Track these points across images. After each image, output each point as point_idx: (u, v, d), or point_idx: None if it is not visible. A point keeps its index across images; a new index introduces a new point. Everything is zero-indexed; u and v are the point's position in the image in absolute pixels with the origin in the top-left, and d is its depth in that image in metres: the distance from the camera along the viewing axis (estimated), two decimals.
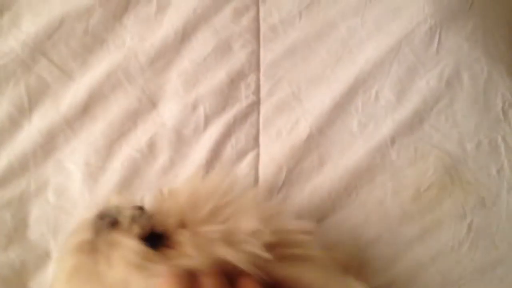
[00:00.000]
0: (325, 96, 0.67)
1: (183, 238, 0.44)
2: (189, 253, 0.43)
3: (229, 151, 0.65)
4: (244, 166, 0.64)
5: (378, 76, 0.66)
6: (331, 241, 0.60)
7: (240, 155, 0.65)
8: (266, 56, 0.69)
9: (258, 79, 0.68)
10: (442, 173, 0.61)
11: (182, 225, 0.45)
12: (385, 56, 0.67)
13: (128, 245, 0.43)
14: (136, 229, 0.44)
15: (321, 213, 0.62)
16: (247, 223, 0.44)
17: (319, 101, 0.67)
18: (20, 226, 0.62)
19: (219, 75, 0.68)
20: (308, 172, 0.63)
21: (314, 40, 0.69)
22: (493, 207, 0.60)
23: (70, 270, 0.45)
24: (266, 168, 0.64)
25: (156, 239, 0.44)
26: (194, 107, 0.66)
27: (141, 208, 0.47)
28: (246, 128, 0.66)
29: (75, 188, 0.64)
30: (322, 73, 0.68)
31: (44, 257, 0.61)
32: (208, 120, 0.66)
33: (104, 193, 0.63)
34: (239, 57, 0.68)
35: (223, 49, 0.69)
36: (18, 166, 0.64)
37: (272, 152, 0.64)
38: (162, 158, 0.65)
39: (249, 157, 0.64)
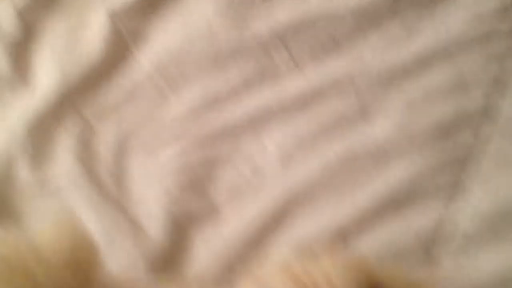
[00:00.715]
0: None
1: None
2: None
3: (427, 185, 0.62)
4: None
5: None
6: None
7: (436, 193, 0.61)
8: (505, 107, 0.64)
9: (486, 129, 0.64)
10: None
11: None
12: None
13: None
14: None
15: None
16: None
17: None
18: (206, 182, 0.68)
19: (447, 111, 0.66)
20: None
21: None
22: None
23: None
24: (464, 218, 0.59)
25: None
26: (408, 132, 0.66)
27: None
28: (454, 172, 0.63)
29: (266, 167, 0.67)
30: None
31: (215, 218, 0.65)
32: (418, 150, 0.65)
33: (291, 186, 0.64)
34: (473, 99, 0.66)
35: (459, 85, 0.67)
36: (226, 133, 0.70)
37: (478, 205, 0.60)
38: (358, 170, 0.64)
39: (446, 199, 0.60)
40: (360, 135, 0.66)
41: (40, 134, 0.70)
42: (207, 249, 0.62)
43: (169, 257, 0.61)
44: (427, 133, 0.65)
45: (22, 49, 0.75)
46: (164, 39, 0.77)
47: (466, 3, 0.71)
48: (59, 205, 0.65)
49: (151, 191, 0.66)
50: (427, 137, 0.65)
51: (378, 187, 0.63)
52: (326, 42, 0.72)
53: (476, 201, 0.60)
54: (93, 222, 0.61)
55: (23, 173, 0.67)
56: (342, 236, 0.59)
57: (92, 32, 0.77)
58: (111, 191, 0.66)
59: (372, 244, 0.59)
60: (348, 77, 0.70)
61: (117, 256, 0.59)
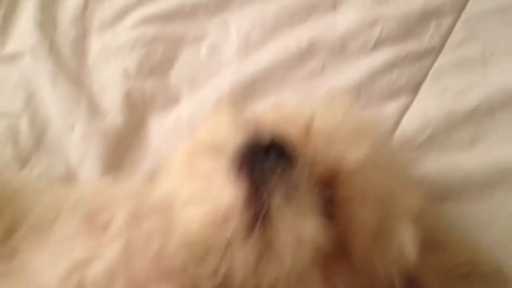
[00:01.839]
0: None
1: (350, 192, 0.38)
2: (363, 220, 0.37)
3: (383, 84, 0.63)
4: (391, 107, 0.62)
5: None
6: (444, 225, 0.56)
7: (393, 94, 0.63)
8: (474, 4, 0.63)
9: (452, 25, 0.63)
10: None
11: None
12: None
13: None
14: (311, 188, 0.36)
15: (444, 192, 0.56)
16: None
17: (505, 78, 0.60)
18: (166, 63, 0.68)
19: (415, 3, 0.65)
20: (454, 145, 0.58)
21: None
22: None
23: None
24: (413, 120, 0.61)
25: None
26: (372, 24, 0.65)
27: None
28: (413, 70, 0.63)
29: (227, 53, 0.68)
30: None
31: (171, 101, 0.66)
32: (379, 44, 0.64)
33: (250, 69, 0.66)
34: None
35: None
36: (188, 10, 0.70)
37: (427, 107, 0.61)
38: (316, 62, 0.65)
39: (401, 100, 0.62)
40: (323, 25, 0.67)
41: None
42: (160, 130, 0.65)
43: (125, 139, 0.63)
44: (392, 27, 0.65)
45: None
46: None
47: None
48: (17, 75, 0.67)
49: (110, 69, 0.68)
50: (390, 31, 0.65)
51: (333, 82, 0.64)
52: None
53: (427, 103, 0.61)
54: (53, 101, 0.64)
55: None
56: None
57: None
58: (70, 65, 0.68)
59: None
60: None
61: (76, 141, 0.62)
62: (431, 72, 0.63)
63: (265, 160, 0.36)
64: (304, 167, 0.37)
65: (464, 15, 0.64)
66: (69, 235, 0.38)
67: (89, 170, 0.59)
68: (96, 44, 0.70)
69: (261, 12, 0.68)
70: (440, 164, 0.58)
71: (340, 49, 0.65)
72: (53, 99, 0.64)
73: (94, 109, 0.64)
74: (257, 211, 0.35)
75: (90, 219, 0.39)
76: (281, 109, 0.48)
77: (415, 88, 0.62)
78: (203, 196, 0.37)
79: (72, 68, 0.68)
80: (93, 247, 0.36)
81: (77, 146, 0.61)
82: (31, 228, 0.40)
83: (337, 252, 0.37)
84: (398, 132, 0.60)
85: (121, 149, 0.62)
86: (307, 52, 0.65)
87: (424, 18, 0.64)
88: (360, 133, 0.40)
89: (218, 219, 0.35)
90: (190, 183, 0.38)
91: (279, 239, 0.34)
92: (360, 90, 0.63)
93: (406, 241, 0.38)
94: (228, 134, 0.39)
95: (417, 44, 0.64)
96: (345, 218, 0.37)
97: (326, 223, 0.36)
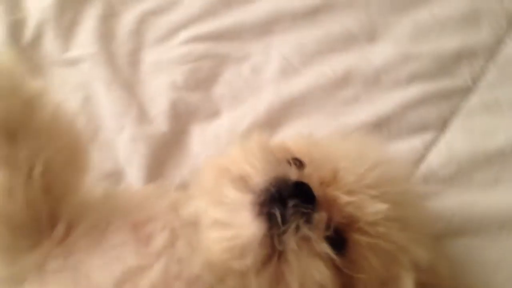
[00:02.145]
0: None
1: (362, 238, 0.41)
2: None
3: (413, 118, 0.66)
4: (418, 140, 0.65)
5: None
6: (455, 260, 0.59)
7: (421, 128, 0.66)
8: (507, 48, 0.66)
9: (485, 67, 0.66)
10: None
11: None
12: None
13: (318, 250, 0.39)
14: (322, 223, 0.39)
15: (459, 229, 0.59)
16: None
17: None
18: (210, 79, 0.74)
19: (451, 42, 0.68)
20: (476, 184, 0.61)
21: None
22: None
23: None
24: (438, 155, 0.63)
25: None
26: (407, 59, 0.68)
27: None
28: (443, 107, 0.66)
29: (267, 74, 0.72)
30: None
31: (213, 113, 0.72)
32: (412, 79, 0.67)
33: (288, 91, 0.70)
34: (480, 35, 0.66)
35: (470, 19, 0.67)
36: (235, 32, 0.75)
37: (453, 144, 0.64)
38: (350, 91, 0.69)
39: (428, 135, 0.65)
40: (360, 55, 0.70)
41: (67, 4, 0.79)
42: (200, 139, 0.70)
43: (168, 144, 0.69)
44: (426, 63, 0.68)
45: None
46: None
47: None
48: (77, 77, 0.74)
49: (159, 80, 0.74)
50: (425, 67, 0.68)
51: (365, 111, 0.68)
52: None
53: (453, 140, 0.64)
54: (107, 104, 0.71)
55: (49, 38, 0.77)
56: None
57: None
58: (124, 73, 0.75)
59: None
60: None
61: (124, 142, 0.68)
62: (460, 110, 0.65)
63: (288, 202, 0.39)
64: (324, 213, 0.40)
65: (497, 58, 0.66)
66: (119, 243, 0.43)
67: (134, 169, 0.65)
68: (149, 57, 0.76)
69: (302, 39, 0.73)
70: (461, 200, 0.60)
71: (375, 81, 0.68)
72: (107, 103, 0.71)
73: (142, 115, 0.70)
74: (274, 247, 0.38)
75: (137, 229, 0.44)
76: (311, 142, 0.51)
77: (444, 125, 0.65)
78: (227, 225, 0.40)
79: (126, 77, 0.74)
80: (140, 257, 0.41)
81: (125, 146, 0.68)
82: (86, 231, 0.44)
83: None
84: (423, 166, 0.63)
85: (164, 152, 0.68)
86: (342, 81, 0.69)
87: (458, 57, 0.67)
88: (385, 183, 0.43)
89: (238, 248, 0.39)
90: (216, 208, 0.42)
91: (291, 275, 0.38)
92: (390, 122, 0.66)
93: None
94: (257, 168, 0.42)
95: (449, 82, 0.66)
96: (355, 261, 0.41)
97: (336, 265, 0.40)
